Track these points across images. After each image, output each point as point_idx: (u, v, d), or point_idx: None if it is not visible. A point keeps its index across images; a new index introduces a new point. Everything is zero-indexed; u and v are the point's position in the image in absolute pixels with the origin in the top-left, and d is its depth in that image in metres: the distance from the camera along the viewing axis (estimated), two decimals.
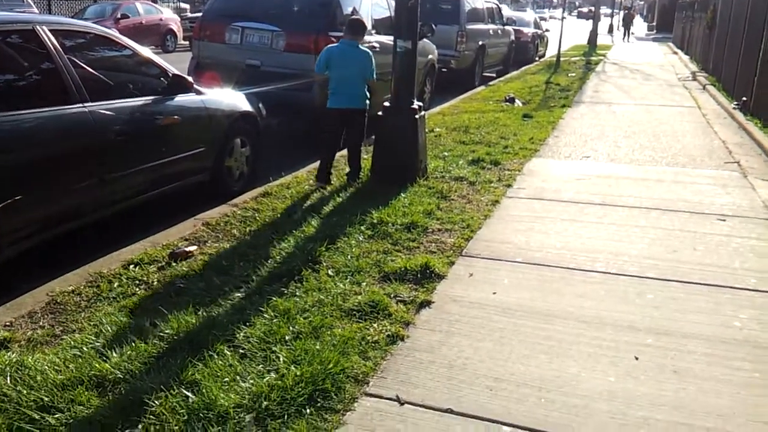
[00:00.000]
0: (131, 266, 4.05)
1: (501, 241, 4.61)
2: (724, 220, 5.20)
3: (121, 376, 2.79)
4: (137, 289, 3.73)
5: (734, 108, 10.86)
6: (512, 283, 3.90)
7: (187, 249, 4.32)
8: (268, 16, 7.89)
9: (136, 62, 5.20)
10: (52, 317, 3.40)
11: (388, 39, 7.23)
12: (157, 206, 5.15)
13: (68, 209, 4.32)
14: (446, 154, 7.19)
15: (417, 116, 5.84)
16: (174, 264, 4.11)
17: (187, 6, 35.55)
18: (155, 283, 3.84)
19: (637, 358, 3.08)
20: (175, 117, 5.18)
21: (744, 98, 10.65)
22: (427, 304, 3.58)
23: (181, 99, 5.28)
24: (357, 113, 5.81)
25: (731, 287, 3.90)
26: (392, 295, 3.62)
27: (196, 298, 3.55)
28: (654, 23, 49.79)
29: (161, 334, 3.13)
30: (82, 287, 3.72)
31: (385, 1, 9.05)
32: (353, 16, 6.10)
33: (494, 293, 3.74)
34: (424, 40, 10.05)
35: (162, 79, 5.22)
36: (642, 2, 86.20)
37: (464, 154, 7.17)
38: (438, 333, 3.27)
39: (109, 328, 3.20)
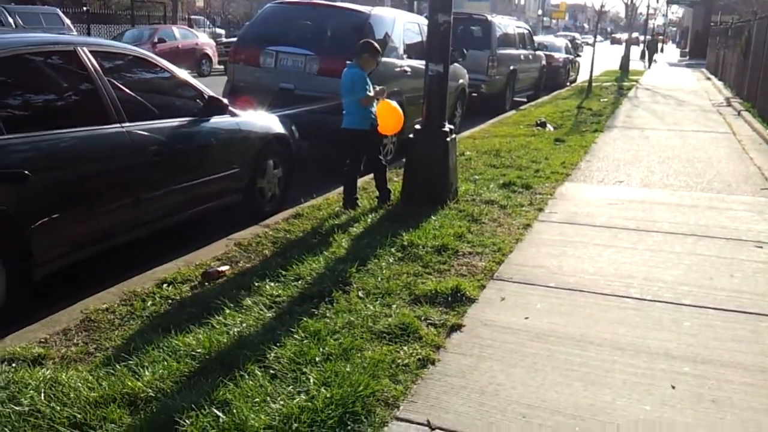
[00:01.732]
0: (164, 285, 4.09)
1: (533, 265, 4.56)
2: (761, 247, 5.09)
3: (153, 395, 2.81)
4: (170, 308, 3.77)
5: None
6: (545, 308, 3.84)
7: (220, 269, 4.36)
8: (301, 40, 8.00)
9: (173, 84, 5.31)
10: (86, 335, 3.44)
11: (420, 63, 7.28)
12: (191, 226, 5.22)
13: (104, 229, 4.39)
14: (477, 177, 7.17)
15: (448, 139, 5.85)
16: (206, 283, 4.15)
17: (222, 31, 36.37)
18: (188, 302, 3.87)
19: (673, 387, 3.00)
20: (211, 138, 5.27)
21: None
22: (458, 327, 3.55)
23: (217, 120, 5.36)
24: (356, 134, 5.70)
25: None
26: (423, 318, 3.60)
27: (227, 318, 3.57)
28: (687, 49, 49.39)
29: (193, 352, 3.15)
30: (116, 305, 3.76)
31: (417, 27, 9.13)
32: (364, 40, 6.06)
33: (526, 318, 3.70)
34: (456, 64, 10.11)
35: (198, 100, 5.32)
36: (675, 29, 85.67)
37: (495, 178, 7.14)
38: (469, 357, 3.24)
39: (142, 346, 3.22)
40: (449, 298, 3.88)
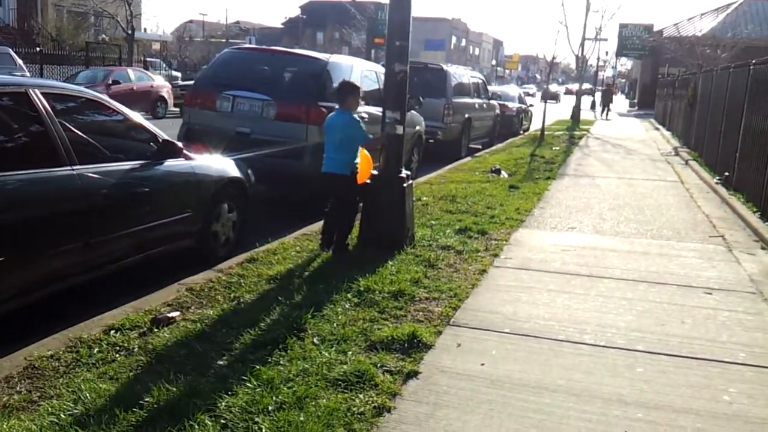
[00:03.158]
0: (112, 332, 3.96)
1: (489, 311, 4.57)
2: (710, 294, 5.21)
3: None
4: (117, 356, 3.64)
5: (717, 183, 11.07)
6: (501, 355, 3.84)
7: (170, 315, 4.25)
8: (259, 85, 8.03)
9: (126, 127, 5.24)
10: (30, 382, 3.29)
11: (377, 110, 7.35)
12: (142, 270, 5.09)
13: (51, 272, 4.25)
14: (433, 222, 7.22)
15: (405, 185, 5.89)
16: (156, 330, 4.02)
17: (178, 74, 36.31)
18: (136, 349, 3.75)
19: None
20: (164, 182, 5.19)
21: (726, 173, 10.87)
22: (414, 374, 3.51)
23: (171, 164, 5.29)
24: (337, 178, 5.70)
25: (720, 361, 3.87)
26: (379, 365, 3.55)
27: (177, 365, 3.46)
28: (635, 100, 51.26)
29: (141, 402, 3.03)
30: (61, 352, 3.62)
31: (375, 74, 9.27)
32: (343, 80, 6.15)
33: (482, 364, 3.68)
34: (412, 111, 10.27)
35: (152, 144, 5.25)
36: (624, 80, 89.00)
37: (451, 223, 7.20)
38: (425, 405, 3.19)
39: (87, 395, 3.10)
40: (406, 345, 3.84)
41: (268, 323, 4.08)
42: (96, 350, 3.67)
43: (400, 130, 5.89)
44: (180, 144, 5.43)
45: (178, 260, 5.45)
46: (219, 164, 6.02)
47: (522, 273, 5.60)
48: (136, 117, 5.38)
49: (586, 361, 3.82)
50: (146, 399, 3.05)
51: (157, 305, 4.45)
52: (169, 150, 5.28)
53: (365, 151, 5.83)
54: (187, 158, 5.52)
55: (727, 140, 11.47)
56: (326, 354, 3.64)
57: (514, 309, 4.64)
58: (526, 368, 3.66)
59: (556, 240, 6.91)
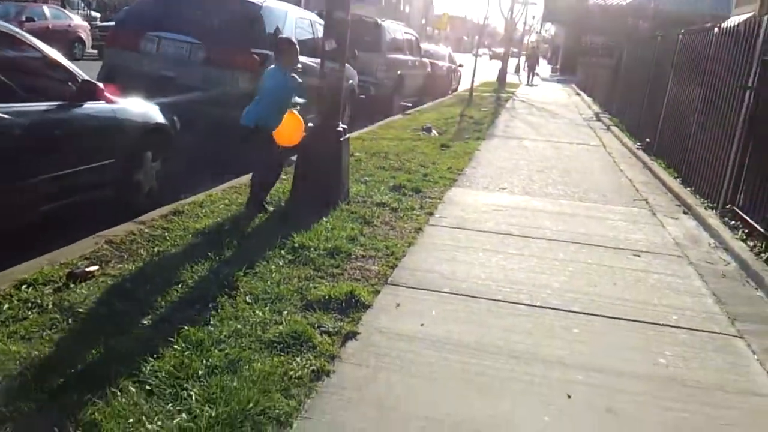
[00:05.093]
0: (24, 287, 3.62)
1: (426, 270, 4.48)
2: (639, 256, 5.31)
3: (8, 414, 2.43)
4: (30, 313, 3.32)
5: (638, 148, 11.36)
6: (440, 315, 3.76)
7: (88, 269, 3.93)
8: (187, 28, 7.54)
9: (42, 64, 4.78)
10: None
11: (311, 60, 7.05)
12: (57, 221, 4.71)
13: None
14: (367, 179, 7.05)
15: (342, 138, 5.68)
16: (72, 285, 3.71)
17: (98, 15, 34.19)
18: (50, 306, 3.44)
19: (569, 396, 2.99)
20: (82, 125, 4.79)
21: (648, 139, 11.16)
22: (353, 335, 3.37)
23: (90, 106, 4.88)
24: (243, 129, 5.24)
25: (654, 324, 3.92)
26: (316, 326, 3.39)
27: (96, 325, 3.20)
28: (558, 66, 52.19)
29: (55, 366, 2.77)
30: None
31: (309, 23, 8.91)
32: (279, 36, 5.77)
33: (422, 325, 3.59)
34: (346, 65, 9.97)
35: (70, 84, 4.81)
36: (546, 45, 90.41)
37: (385, 180, 7.06)
38: (365, 368, 3.07)
39: None
40: (343, 304, 3.70)
41: (196, 280, 3.84)
42: (6, 306, 3.34)
43: (340, 81, 5.64)
44: (101, 85, 5.00)
45: (97, 211, 5.08)
46: (142, 109, 5.62)
47: (457, 232, 5.54)
48: (54, 54, 4.90)
49: (524, 322, 3.79)
50: (62, 362, 2.79)
51: (74, 258, 4.12)
52: (88, 91, 4.85)
53: (296, 114, 5.44)
54: (109, 101, 5.11)
55: (650, 107, 11.75)
56: (260, 314, 3.45)
57: (451, 268, 4.57)
58: (466, 329, 3.59)
59: (488, 200, 6.89)
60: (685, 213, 7.08)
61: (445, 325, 3.62)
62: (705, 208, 7.00)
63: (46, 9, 21.08)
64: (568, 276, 4.67)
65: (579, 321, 3.88)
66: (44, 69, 4.81)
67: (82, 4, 36.54)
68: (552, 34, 76.76)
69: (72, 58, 19.75)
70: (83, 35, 21.38)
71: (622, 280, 4.69)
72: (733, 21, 7.85)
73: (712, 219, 6.54)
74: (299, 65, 5.47)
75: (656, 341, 3.68)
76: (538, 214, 6.49)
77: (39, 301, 3.48)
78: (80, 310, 3.39)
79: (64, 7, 27.00)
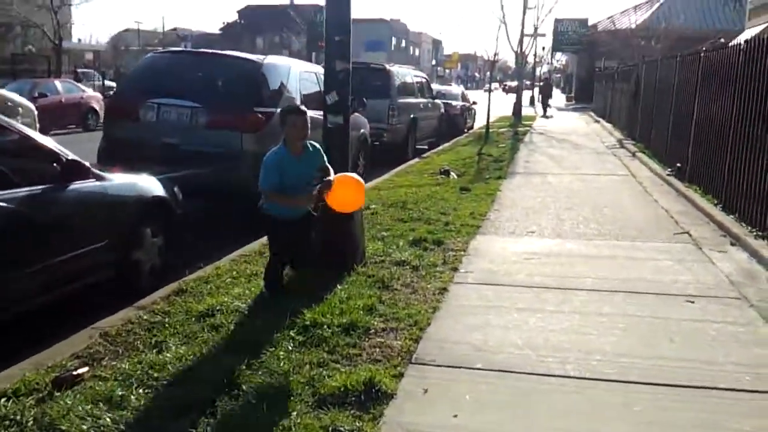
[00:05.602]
0: (3, 400, 3.20)
1: (455, 341, 3.97)
2: (693, 302, 4.74)
3: None
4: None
5: (668, 174, 10.80)
6: (475, 400, 3.23)
7: (76, 372, 3.49)
8: (187, 92, 7.23)
9: (24, 147, 4.47)
10: None
11: (318, 114, 6.69)
12: (53, 312, 4.33)
13: None
14: (385, 234, 6.59)
15: None
16: (57, 394, 3.27)
17: (113, 84, 34.80)
18: (30, 423, 3.01)
19: None
20: (69, 208, 4.43)
21: (678, 164, 10.60)
22: None
23: (78, 186, 4.53)
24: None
25: (725, 389, 3.36)
26: (331, 429, 2.89)
27: None
28: (572, 94, 51.74)
29: None
30: None
31: (315, 76, 8.57)
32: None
33: (455, 416, 3.07)
34: (356, 114, 9.64)
35: (56, 165, 4.47)
36: (559, 75, 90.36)
37: (404, 234, 6.59)
38: None
39: None
40: (362, 396, 3.19)
41: (193, 378, 3.37)
42: None
43: (345, 136, 5.24)
44: (87, 163, 4.65)
45: (99, 293, 4.70)
46: (138, 183, 5.26)
47: (486, 289, 5.03)
48: (36, 135, 4.63)
49: (576, 401, 3.25)
50: None
51: (64, 359, 3.70)
52: (74, 170, 4.50)
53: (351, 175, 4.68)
54: (99, 178, 4.76)
55: (677, 130, 11.22)
56: (265, 419, 2.96)
57: (483, 336, 4.05)
58: (506, 417, 3.07)
59: (516, 247, 6.38)
60: (732, 244, 6.49)
61: (482, 414, 3.09)
62: (755, 237, 6.41)
63: (58, 83, 21.35)
64: (619, 335, 4.13)
65: (640, 394, 3.33)
66: (26, 152, 4.50)
67: (97, 75, 37.32)
68: (563, 63, 76.73)
69: (86, 129, 20.00)
70: (96, 106, 21.58)
71: (679, 334, 4.13)
72: (751, 33, 7.38)
73: (766, 250, 5.95)
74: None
75: (731, 413, 3.11)
76: (574, 259, 5.97)
77: (18, 417, 3.05)
78: (61, 427, 2.94)
79: (79, 80, 27.47)
